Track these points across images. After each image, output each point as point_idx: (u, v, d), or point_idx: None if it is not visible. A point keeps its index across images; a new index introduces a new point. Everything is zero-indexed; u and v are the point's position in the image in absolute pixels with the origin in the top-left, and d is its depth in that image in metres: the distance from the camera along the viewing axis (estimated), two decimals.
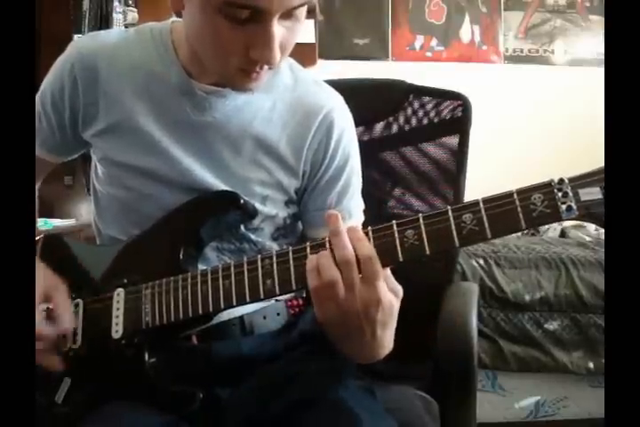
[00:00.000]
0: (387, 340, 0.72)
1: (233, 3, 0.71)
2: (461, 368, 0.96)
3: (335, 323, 0.70)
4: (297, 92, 0.93)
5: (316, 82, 0.96)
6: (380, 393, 0.84)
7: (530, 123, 3.41)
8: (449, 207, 0.66)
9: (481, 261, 2.13)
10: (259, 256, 0.76)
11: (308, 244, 0.73)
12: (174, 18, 0.89)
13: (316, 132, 0.92)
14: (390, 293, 0.69)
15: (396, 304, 0.70)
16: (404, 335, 1.15)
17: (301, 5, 0.74)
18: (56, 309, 0.85)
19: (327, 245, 0.71)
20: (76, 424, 0.80)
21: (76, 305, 0.89)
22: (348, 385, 0.80)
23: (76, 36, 2.59)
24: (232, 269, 0.77)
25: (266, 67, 0.79)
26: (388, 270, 0.71)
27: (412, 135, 1.23)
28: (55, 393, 0.87)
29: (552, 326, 2.09)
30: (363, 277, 0.67)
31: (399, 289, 0.71)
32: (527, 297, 2.08)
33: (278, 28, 0.74)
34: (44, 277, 0.87)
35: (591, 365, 2.07)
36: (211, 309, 0.78)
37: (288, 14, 0.74)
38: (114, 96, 0.89)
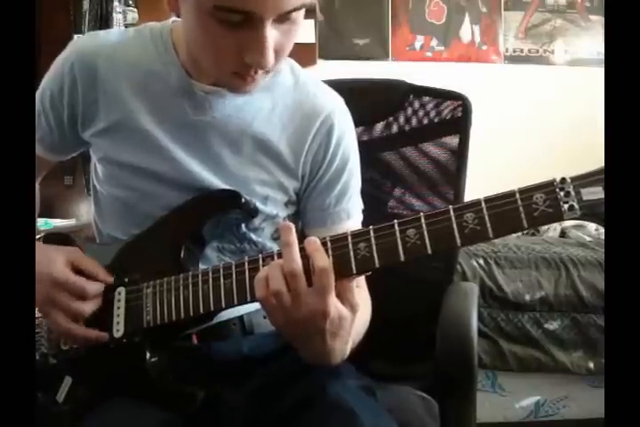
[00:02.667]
0: (338, 349, 0.73)
1: (225, 7, 0.70)
2: (461, 368, 0.96)
3: (285, 331, 0.72)
4: (297, 94, 0.93)
5: (316, 84, 0.96)
6: (380, 393, 0.84)
7: (530, 123, 3.41)
8: (450, 207, 0.66)
9: (481, 261, 2.13)
10: (260, 256, 0.76)
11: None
12: (174, 18, 0.89)
13: (315, 134, 0.92)
14: (344, 306, 0.70)
15: (349, 317, 0.71)
16: (405, 335, 1.15)
17: (296, 9, 0.73)
18: (89, 268, 0.87)
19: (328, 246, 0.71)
20: (76, 423, 0.80)
21: None
22: (348, 385, 0.80)
23: (75, 36, 2.59)
24: (233, 268, 0.77)
25: (260, 70, 0.78)
26: (353, 283, 0.72)
27: (412, 135, 1.23)
28: (56, 392, 0.87)
29: (552, 326, 2.09)
30: (313, 288, 0.68)
31: (357, 304, 0.72)
32: (527, 297, 2.08)
33: (272, 32, 0.73)
34: (57, 249, 0.89)
35: (591, 365, 2.07)
36: (212, 308, 0.78)
37: (283, 18, 0.73)
38: (114, 95, 0.89)
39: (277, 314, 0.70)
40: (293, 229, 0.71)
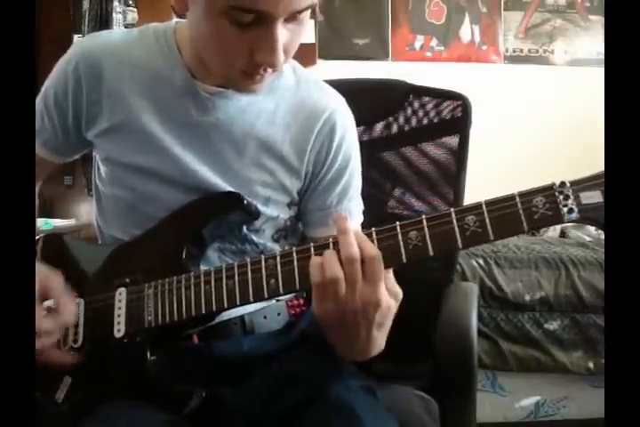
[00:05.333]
0: (380, 340, 0.73)
1: (238, 7, 0.71)
2: (461, 368, 0.96)
3: (332, 320, 0.71)
4: (299, 94, 0.93)
5: (318, 84, 0.96)
6: (380, 393, 0.84)
7: (530, 123, 3.41)
8: (452, 209, 0.67)
9: (481, 261, 2.13)
10: (262, 256, 0.76)
11: (311, 244, 0.73)
12: (177, 18, 0.89)
13: (318, 133, 0.92)
14: (390, 295, 0.70)
15: (394, 307, 0.71)
16: (405, 335, 1.15)
17: (306, 9, 0.74)
18: (56, 301, 0.84)
19: (331, 246, 0.71)
20: (76, 423, 0.80)
21: (78, 304, 0.89)
22: (348, 385, 0.80)
23: (75, 36, 2.59)
24: (236, 269, 0.77)
25: (270, 69, 0.79)
26: (391, 272, 0.72)
27: (412, 135, 1.23)
28: (55, 392, 0.87)
29: (552, 326, 2.09)
30: (365, 278, 0.68)
31: (399, 292, 0.72)
32: (527, 297, 2.08)
33: (282, 32, 0.74)
34: (37, 273, 0.86)
35: (591, 365, 2.07)
36: (214, 308, 0.78)
37: (292, 18, 0.74)
38: (118, 96, 0.89)
39: (329, 303, 0.69)
40: (348, 218, 0.71)
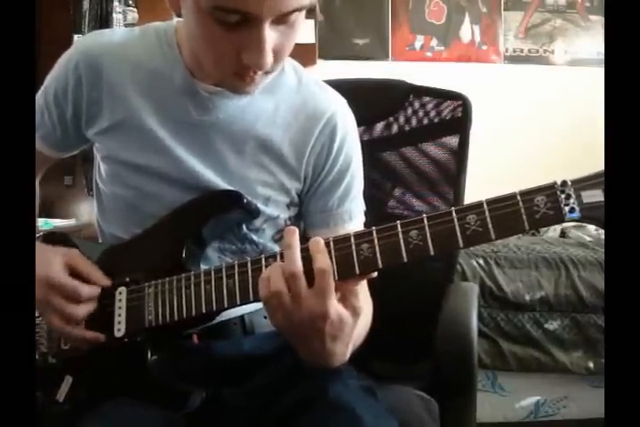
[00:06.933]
0: (338, 351, 0.73)
1: (223, 7, 0.70)
2: (461, 368, 0.96)
3: (285, 331, 0.72)
4: (300, 95, 0.93)
5: (319, 85, 0.96)
6: (380, 393, 0.84)
7: (530, 123, 3.41)
8: (453, 208, 0.67)
9: (481, 261, 2.13)
10: (263, 256, 0.76)
11: (308, 244, 0.73)
12: (177, 18, 0.89)
13: (319, 135, 0.92)
14: (346, 308, 0.70)
15: (350, 321, 0.71)
16: (405, 335, 1.15)
17: (294, 11, 0.73)
18: (86, 271, 0.87)
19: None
20: (76, 423, 0.80)
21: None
22: (348, 385, 0.80)
23: (75, 36, 2.59)
24: (236, 268, 0.77)
25: (259, 71, 0.78)
26: (360, 287, 0.72)
27: (412, 135, 1.23)
28: (56, 392, 0.87)
29: (552, 326, 2.09)
30: (314, 290, 0.68)
31: (360, 307, 0.71)
32: (527, 297, 2.08)
33: (270, 33, 0.73)
34: (54, 250, 0.88)
35: (591, 365, 2.07)
36: (214, 308, 0.78)
37: (281, 19, 0.73)
38: (118, 95, 0.89)
39: (278, 315, 0.70)
40: (297, 232, 0.71)
